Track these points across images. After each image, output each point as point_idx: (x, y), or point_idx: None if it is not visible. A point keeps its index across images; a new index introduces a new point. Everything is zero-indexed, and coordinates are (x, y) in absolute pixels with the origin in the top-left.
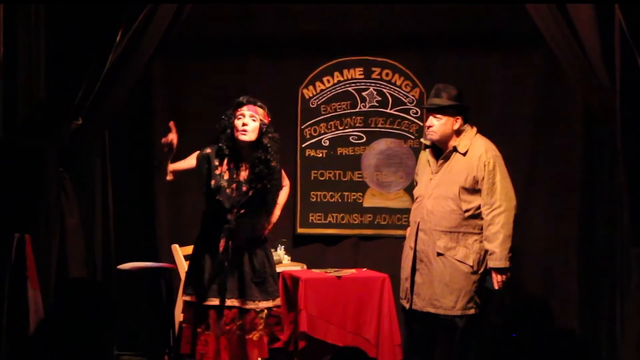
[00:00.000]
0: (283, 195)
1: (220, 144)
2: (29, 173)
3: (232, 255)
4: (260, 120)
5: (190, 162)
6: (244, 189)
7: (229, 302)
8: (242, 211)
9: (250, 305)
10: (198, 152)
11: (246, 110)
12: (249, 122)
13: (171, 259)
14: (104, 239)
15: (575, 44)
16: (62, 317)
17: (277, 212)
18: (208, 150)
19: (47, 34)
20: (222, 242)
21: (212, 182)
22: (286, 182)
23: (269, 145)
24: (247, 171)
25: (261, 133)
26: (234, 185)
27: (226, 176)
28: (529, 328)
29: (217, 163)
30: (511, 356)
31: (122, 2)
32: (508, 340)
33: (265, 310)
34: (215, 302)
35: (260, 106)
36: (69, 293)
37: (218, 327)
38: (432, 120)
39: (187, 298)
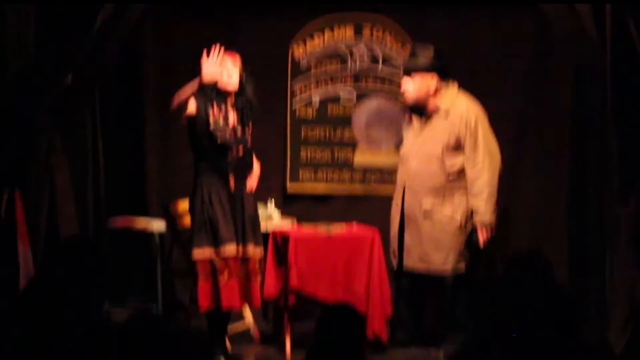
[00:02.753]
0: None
1: (207, 91)
2: (19, 130)
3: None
4: (239, 66)
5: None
6: (239, 131)
7: (239, 248)
8: (241, 152)
9: (252, 251)
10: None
11: (228, 59)
12: (233, 71)
13: (161, 213)
14: (95, 194)
15: (566, 3)
16: (52, 274)
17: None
18: (201, 102)
19: None
20: (231, 179)
21: (212, 124)
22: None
23: (251, 93)
24: (235, 116)
25: (242, 80)
26: (230, 128)
27: (221, 121)
28: (523, 283)
29: (210, 109)
30: (503, 312)
31: None
32: (499, 296)
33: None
34: (233, 247)
35: (237, 51)
36: (59, 249)
37: (237, 272)
38: (405, 83)
39: (204, 251)
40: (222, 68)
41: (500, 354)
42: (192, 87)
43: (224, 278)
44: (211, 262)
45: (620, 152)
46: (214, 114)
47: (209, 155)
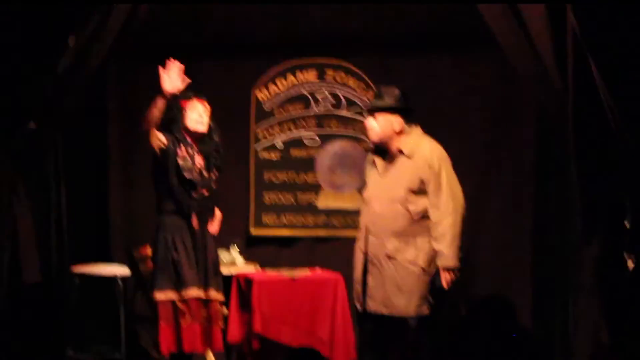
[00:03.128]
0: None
1: (175, 133)
2: None
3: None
4: (209, 111)
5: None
6: (205, 174)
7: (202, 291)
8: (207, 194)
9: (214, 294)
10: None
11: (198, 104)
12: (204, 114)
13: (124, 259)
14: (58, 240)
15: (528, 45)
16: (15, 319)
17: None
18: (170, 141)
19: None
20: (194, 219)
21: (181, 159)
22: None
23: (218, 140)
24: (201, 160)
25: (210, 128)
26: (197, 169)
27: (189, 159)
28: (486, 326)
29: (178, 147)
30: (466, 354)
31: (74, 6)
32: (463, 339)
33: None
34: (196, 290)
35: (207, 101)
36: (21, 295)
37: (200, 315)
38: (370, 122)
39: (165, 294)
40: (182, 81)
41: None
42: (157, 103)
43: (186, 321)
44: (173, 304)
45: (582, 194)
46: (182, 152)
47: (174, 192)
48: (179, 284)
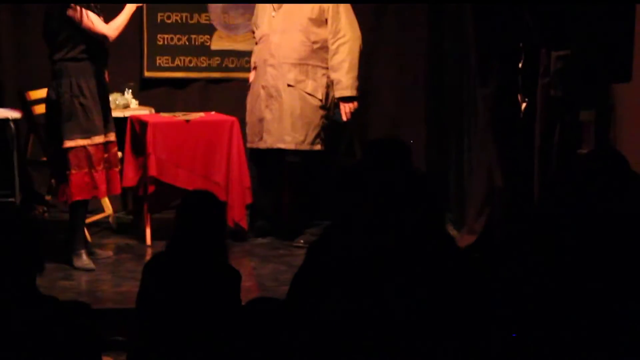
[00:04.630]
0: None
1: None
2: None
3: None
4: None
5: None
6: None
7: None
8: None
9: (113, 137)
10: None
11: None
12: None
13: (16, 102)
14: None
15: None
16: None
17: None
18: None
19: None
20: (106, 73)
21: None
22: None
23: None
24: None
25: None
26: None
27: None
28: (382, 168)
29: None
30: (363, 196)
31: None
32: (360, 180)
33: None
34: (102, 135)
35: None
36: None
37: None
38: None
39: (75, 142)
40: None
41: (360, 238)
42: None
43: (98, 166)
44: (86, 151)
45: (476, 32)
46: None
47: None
48: (88, 130)
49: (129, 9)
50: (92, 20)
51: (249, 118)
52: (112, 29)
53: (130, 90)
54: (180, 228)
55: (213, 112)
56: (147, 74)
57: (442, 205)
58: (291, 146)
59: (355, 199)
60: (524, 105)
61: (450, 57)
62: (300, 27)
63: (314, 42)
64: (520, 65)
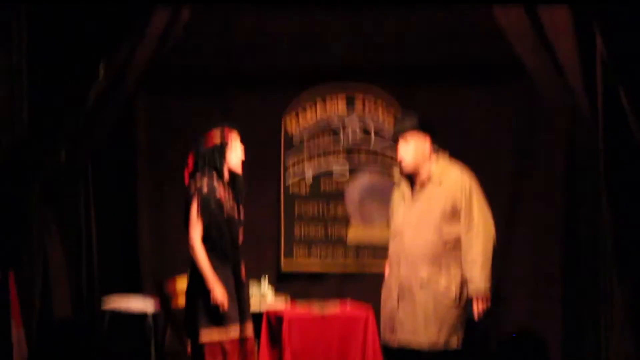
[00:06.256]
0: None
1: (216, 171)
2: (12, 211)
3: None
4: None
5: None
6: (240, 212)
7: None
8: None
9: (250, 331)
10: (195, 206)
11: (238, 141)
12: (240, 149)
13: (154, 291)
14: (88, 273)
15: (557, 75)
16: (46, 355)
17: None
18: (214, 184)
19: (28, 70)
20: (243, 267)
21: (225, 212)
22: None
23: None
24: (231, 197)
25: None
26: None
27: (229, 204)
28: None
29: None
30: None
31: (103, 37)
32: None
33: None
34: (237, 328)
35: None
36: (52, 331)
37: (239, 353)
38: (402, 149)
39: (211, 335)
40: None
41: None
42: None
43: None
44: (221, 345)
45: (614, 227)
46: (220, 193)
47: (220, 238)
48: (222, 322)
49: (213, 279)
50: (193, 223)
51: (383, 312)
52: (195, 247)
53: (267, 280)
54: None
55: (348, 300)
56: (284, 264)
57: None
58: (424, 346)
59: None
60: None
61: (587, 251)
62: (434, 225)
63: (447, 236)
64: None
